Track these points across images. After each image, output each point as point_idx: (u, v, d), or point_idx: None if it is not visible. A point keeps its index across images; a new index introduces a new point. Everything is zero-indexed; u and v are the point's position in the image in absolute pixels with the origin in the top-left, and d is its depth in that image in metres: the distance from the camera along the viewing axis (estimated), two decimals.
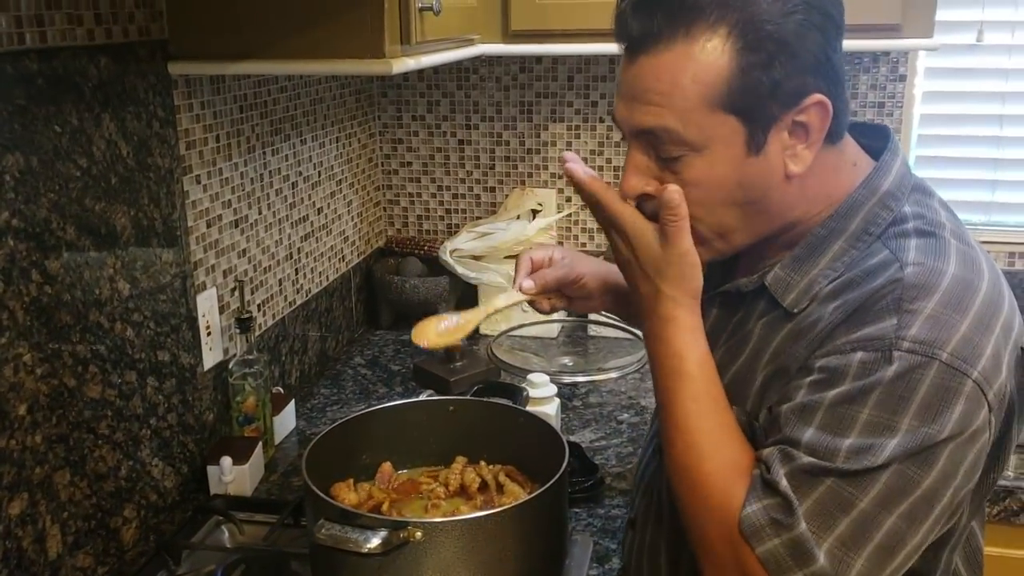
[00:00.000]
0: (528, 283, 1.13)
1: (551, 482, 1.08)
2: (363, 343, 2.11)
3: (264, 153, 1.69)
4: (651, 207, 0.92)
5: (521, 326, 2.07)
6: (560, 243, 2.21)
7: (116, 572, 1.27)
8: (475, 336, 2.10)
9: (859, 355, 0.81)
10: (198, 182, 1.47)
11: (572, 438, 1.62)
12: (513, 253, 2.08)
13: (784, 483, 0.81)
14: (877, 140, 0.97)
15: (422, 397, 1.63)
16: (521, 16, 1.74)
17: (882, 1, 1.61)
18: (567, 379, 1.85)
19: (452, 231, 2.26)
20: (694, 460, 0.88)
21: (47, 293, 1.13)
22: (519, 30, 1.75)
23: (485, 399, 1.32)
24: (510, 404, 1.29)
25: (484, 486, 1.23)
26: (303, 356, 1.88)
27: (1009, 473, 1.53)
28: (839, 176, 0.92)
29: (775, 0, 0.82)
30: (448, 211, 2.29)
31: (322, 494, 1.06)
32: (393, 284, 2.09)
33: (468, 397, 1.40)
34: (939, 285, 0.82)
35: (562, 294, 1.16)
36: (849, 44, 1.64)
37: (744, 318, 0.97)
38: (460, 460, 1.26)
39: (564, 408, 1.72)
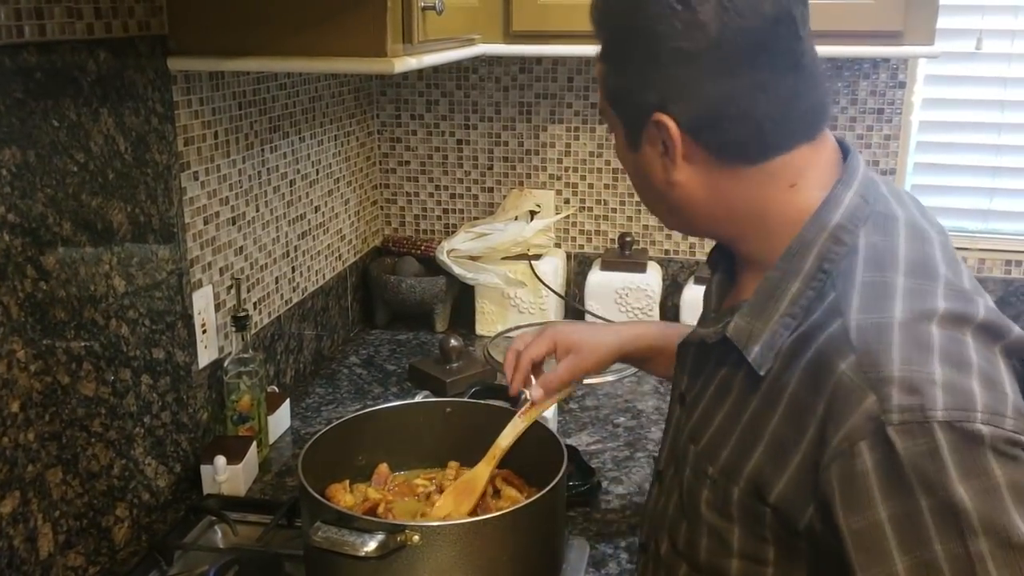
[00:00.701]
0: (538, 392, 1.21)
1: (549, 487, 1.07)
2: (358, 342, 2.10)
3: (263, 150, 1.68)
4: None
5: (517, 327, 2.06)
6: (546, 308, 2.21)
7: (107, 572, 1.26)
8: (471, 336, 2.10)
9: (862, 446, 0.74)
10: (196, 179, 1.45)
11: (569, 441, 1.61)
12: (511, 254, 2.08)
13: None
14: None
15: (418, 398, 1.62)
16: (523, 16, 1.74)
17: (884, 8, 1.61)
18: None
19: (449, 231, 2.26)
20: None
21: (42, 289, 1.12)
22: (520, 31, 1.74)
23: (482, 401, 1.31)
24: (508, 407, 1.28)
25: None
26: (298, 355, 1.87)
27: None
28: (768, 194, 0.87)
29: (640, 13, 0.84)
30: (445, 211, 2.28)
31: (318, 496, 1.05)
32: (389, 284, 2.08)
33: (465, 399, 1.39)
34: (891, 342, 0.76)
35: None
36: (850, 50, 1.67)
37: (721, 358, 0.92)
38: (452, 465, 1.26)
39: (560, 411, 1.72)
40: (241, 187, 1.61)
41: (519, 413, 1.22)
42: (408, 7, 1.29)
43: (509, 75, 2.16)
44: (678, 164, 0.86)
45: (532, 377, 1.22)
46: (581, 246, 2.22)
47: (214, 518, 1.34)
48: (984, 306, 0.81)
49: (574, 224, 2.22)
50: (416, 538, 0.99)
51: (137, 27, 1.28)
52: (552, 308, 2.09)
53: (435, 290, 2.08)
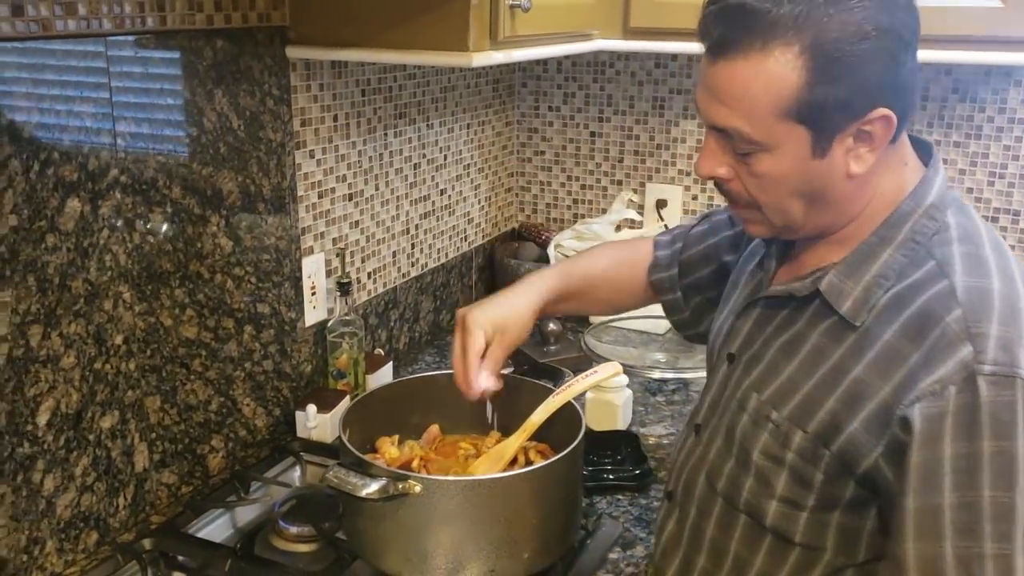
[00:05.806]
0: (490, 380, 1.21)
1: (554, 459, 1.14)
2: None
3: (386, 134, 1.83)
4: (724, 189, 1.00)
5: (627, 318, 2.10)
6: None
7: (199, 493, 1.45)
8: (584, 324, 2.16)
9: (952, 390, 0.84)
10: (311, 156, 1.62)
11: (642, 430, 1.66)
12: None
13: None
14: (921, 151, 1.00)
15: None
16: (640, 13, 1.78)
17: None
18: (656, 374, 1.87)
19: (578, 220, 2.32)
20: None
21: (148, 242, 1.31)
22: (638, 27, 1.79)
23: (527, 379, 1.39)
24: (550, 385, 1.34)
25: (515, 459, 1.30)
26: (413, 324, 2.02)
27: None
28: (892, 174, 0.97)
29: (849, 23, 0.86)
30: (576, 201, 2.35)
31: (346, 441, 1.18)
32: (510, 267, 2.19)
33: (509, 372, 1.47)
34: (993, 305, 0.87)
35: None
36: (995, 57, 1.56)
37: (791, 318, 1.00)
38: (494, 435, 1.34)
39: (643, 402, 1.75)
40: (360, 167, 1.76)
41: (556, 392, 1.28)
42: (495, 5, 1.38)
43: (644, 70, 2.19)
44: (875, 154, 0.92)
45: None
46: None
47: (296, 459, 1.50)
48: None
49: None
50: (418, 488, 1.08)
51: (257, 19, 1.45)
52: None
53: None
